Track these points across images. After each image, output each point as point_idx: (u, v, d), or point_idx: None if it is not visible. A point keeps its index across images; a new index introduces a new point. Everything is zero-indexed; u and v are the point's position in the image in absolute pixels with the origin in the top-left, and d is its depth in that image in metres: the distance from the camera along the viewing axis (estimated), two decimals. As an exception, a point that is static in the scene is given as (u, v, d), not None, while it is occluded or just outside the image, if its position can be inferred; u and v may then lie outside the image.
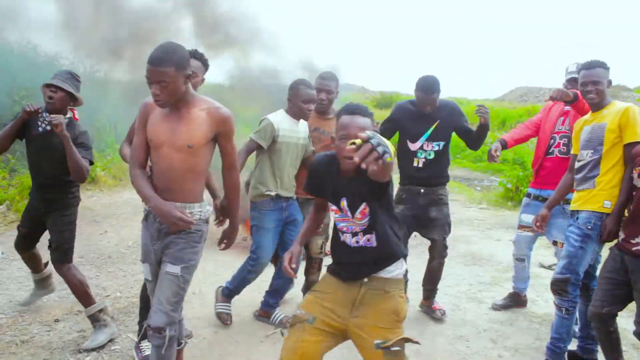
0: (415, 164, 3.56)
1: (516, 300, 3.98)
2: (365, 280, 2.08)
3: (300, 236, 2.29)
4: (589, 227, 2.83)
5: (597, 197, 2.84)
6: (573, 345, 3.15)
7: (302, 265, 3.83)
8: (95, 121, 8.78)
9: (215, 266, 4.65)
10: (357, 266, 2.11)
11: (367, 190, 1.97)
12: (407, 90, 28.58)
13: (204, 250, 2.42)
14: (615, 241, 2.77)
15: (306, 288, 3.68)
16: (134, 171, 2.30)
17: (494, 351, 3.28)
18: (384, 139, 1.52)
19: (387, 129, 3.67)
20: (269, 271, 3.61)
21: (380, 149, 1.46)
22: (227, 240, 2.59)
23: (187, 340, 2.92)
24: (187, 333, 3.25)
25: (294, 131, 3.35)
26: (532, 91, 25.58)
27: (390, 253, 2.10)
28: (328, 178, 2.12)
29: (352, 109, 2.01)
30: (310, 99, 3.28)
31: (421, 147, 3.53)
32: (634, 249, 2.55)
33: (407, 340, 2.01)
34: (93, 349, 2.99)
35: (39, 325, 3.30)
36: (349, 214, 2.07)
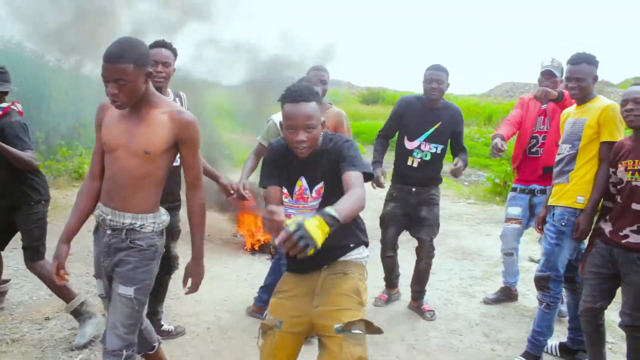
0: (409, 163, 3.55)
1: (507, 295, 4.02)
2: (325, 267, 2.03)
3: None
4: (563, 223, 2.86)
5: (570, 192, 2.87)
6: (563, 337, 3.21)
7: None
8: (81, 118, 8.68)
9: (208, 263, 4.61)
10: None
11: (328, 168, 1.94)
12: (394, 86, 28.65)
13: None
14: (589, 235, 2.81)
15: None
16: (83, 183, 2.20)
17: (487, 345, 3.31)
18: (310, 228, 1.50)
19: (392, 127, 3.69)
20: (262, 267, 3.61)
21: (301, 244, 1.47)
22: (192, 277, 2.25)
23: (162, 340, 2.75)
24: (180, 330, 3.24)
25: None
26: (517, 87, 25.73)
27: (342, 239, 2.02)
28: (285, 160, 2.05)
29: (295, 96, 1.91)
30: None
31: (418, 147, 3.52)
32: (624, 241, 2.57)
33: (370, 326, 1.92)
34: (85, 346, 2.96)
35: (29, 324, 3.25)
36: (307, 192, 2.02)
